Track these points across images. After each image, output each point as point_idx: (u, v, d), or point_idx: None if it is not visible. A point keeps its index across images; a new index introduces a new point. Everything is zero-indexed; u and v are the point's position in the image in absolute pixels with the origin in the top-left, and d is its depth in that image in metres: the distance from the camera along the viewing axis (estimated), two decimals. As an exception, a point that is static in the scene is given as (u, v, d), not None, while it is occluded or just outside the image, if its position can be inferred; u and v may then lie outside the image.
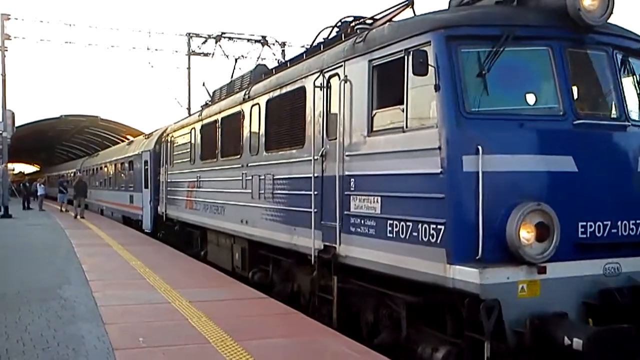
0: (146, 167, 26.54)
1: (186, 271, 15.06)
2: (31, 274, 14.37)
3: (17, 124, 41.81)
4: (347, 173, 9.96)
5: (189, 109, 45.25)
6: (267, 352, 7.80)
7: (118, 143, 53.55)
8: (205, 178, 17.29)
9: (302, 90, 11.63)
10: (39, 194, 48.12)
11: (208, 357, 7.55)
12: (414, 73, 7.99)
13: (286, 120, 12.42)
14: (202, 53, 47.27)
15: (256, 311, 10.35)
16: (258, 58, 19.60)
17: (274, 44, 33.80)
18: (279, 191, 12.51)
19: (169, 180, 21.98)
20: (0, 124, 38.11)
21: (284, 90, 12.51)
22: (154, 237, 23.90)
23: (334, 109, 10.46)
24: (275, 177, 12.70)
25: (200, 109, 19.02)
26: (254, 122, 13.94)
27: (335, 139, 10.30)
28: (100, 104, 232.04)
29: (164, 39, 48.07)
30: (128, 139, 54.58)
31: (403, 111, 8.65)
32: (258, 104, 13.71)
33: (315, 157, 10.88)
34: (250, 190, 13.92)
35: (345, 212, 9.93)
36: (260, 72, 14.98)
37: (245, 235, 14.34)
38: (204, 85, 19.93)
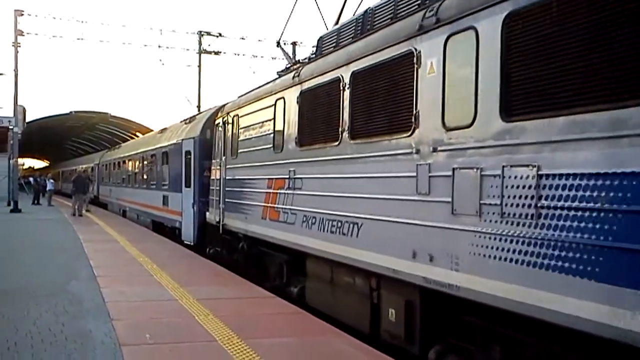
0: (188, 159, 17.22)
1: (193, 269, 12.75)
2: (40, 268, 12.55)
3: (27, 119, 36.76)
4: None
5: (198, 106, 39.09)
6: (273, 351, 6.63)
7: (128, 140, 44.66)
8: (309, 174, 9.09)
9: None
10: (47, 189, 40.47)
11: (214, 354, 6.49)
12: None
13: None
14: (213, 51, 40.14)
15: (263, 310, 8.74)
16: None
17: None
18: (567, 205, 4.60)
19: (229, 177, 13.08)
20: (11, 119, 33.82)
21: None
22: (201, 254, 14.85)
23: None
24: (547, 174, 4.80)
25: (293, 67, 10.88)
26: (454, 67, 5.99)
27: None
28: (111, 100, 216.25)
29: (175, 37, 40.13)
30: (138, 136, 46.34)
31: None
32: (472, 28, 5.70)
33: None
34: (445, 199, 5.97)
35: None
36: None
37: (422, 282, 6.32)
38: (278, 45, 11.72)
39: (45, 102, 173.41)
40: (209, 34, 40.13)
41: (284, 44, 37.03)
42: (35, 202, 39.56)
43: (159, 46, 38.72)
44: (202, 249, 15.48)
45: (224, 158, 13.47)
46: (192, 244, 16.42)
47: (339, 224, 7.93)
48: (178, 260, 13.70)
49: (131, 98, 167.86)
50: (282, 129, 10.11)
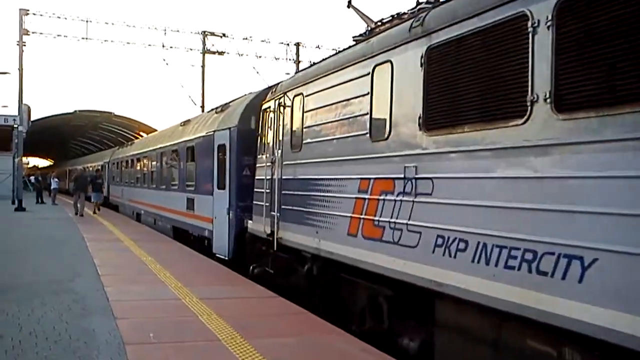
0: (222, 155, 12.85)
1: (196, 268, 11.42)
2: (44, 267, 11.35)
3: (32, 118, 34.44)
4: None
5: (202, 106, 35.26)
6: (276, 351, 6.02)
7: (132, 139, 40.42)
8: (451, 172, 5.19)
9: None
10: (52, 187, 36.47)
11: (217, 353, 5.92)
12: None
13: None
14: (217, 51, 36.62)
15: (266, 310, 7.98)
16: None
17: None
18: None
19: (287, 177, 9.10)
20: (16, 117, 31.17)
21: None
22: (238, 272, 11.02)
23: None
24: None
25: (376, 29, 7.27)
26: None
27: None
28: (115, 100, 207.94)
29: (179, 37, 36.18)
30: (141, 136, 42.34)
31: None
32: None
33: None
34: None
35: None
36: None
37: None
38: (349, 6, 8.09)
39: (49, 101, 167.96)
40: (213, 34, 36.85)
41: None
42: (39, 200, 35.97)
43: (163, 46, 35.34)
44: (240, 265, 11.62)
45: (278, 152, 9.46)
46: (226, 258, 12.37)
47: (531, 256, 4.27)
48: (182, 260, 12.59)
49: (135, 97, 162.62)
50: (387, 106, 6.28)
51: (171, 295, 8.82)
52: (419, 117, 5.72)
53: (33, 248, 14.30)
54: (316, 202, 8.03)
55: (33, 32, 31.03)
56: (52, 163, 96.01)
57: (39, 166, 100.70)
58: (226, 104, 14.43)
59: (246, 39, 36.57)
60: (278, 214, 9.34)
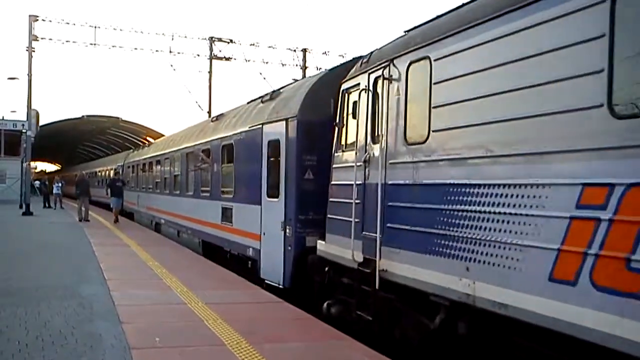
0: (273, 155, 10.28)
1: (202, 273, 11.32)
2: (51, 271, 11.32)
3: (40, 123, 34.19)
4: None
5: (209, 112, 35.24)
6: (282, 356, 6.02)
7: (139, 144, 40.42)
8: None
9: None
10: (54, 192, 36.77)
11: (223, 359, 5.87)
12: None
13: None
14: (224, 57, 36.79)
15: (272, 315, 7.89)
16: None
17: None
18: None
19: (397, 182, 6.46)
20: (25, 122, 31.70)
21: None
22: (301, 306, 8.54)
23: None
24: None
25: None
26: None
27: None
28: (122, 105, 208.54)
29: (186, 43, 36.32)
30: (148, 141, 42.47)
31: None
32: None
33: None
34: None
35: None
36: None
37: None
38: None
39: (57, 106, 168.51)
40: (220, 40, 36.80)
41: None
42: (46, 204, 36.09)
43: (171, 51, 35.47)
44: (299, 296, 9.29)
45: (378, 147, 6.93)
46: (280, 286, 9.74)
47: None
48: (187, 265, 12.58)
49: (142, 103, 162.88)
50: None
51: (177, 299, 8.72)
52: None
53: (40, 252, 14.25)
54: (465, 222, 5.34)
55: (42, 38, 31.25)
56: (59, 168, 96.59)
57: (47, 170, 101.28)
58: (275, 91, 11.69)
59: (253, 44, 36.63)
60: (380, 236, 6.68)
